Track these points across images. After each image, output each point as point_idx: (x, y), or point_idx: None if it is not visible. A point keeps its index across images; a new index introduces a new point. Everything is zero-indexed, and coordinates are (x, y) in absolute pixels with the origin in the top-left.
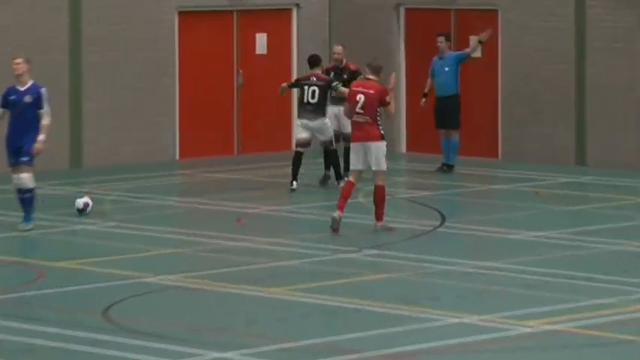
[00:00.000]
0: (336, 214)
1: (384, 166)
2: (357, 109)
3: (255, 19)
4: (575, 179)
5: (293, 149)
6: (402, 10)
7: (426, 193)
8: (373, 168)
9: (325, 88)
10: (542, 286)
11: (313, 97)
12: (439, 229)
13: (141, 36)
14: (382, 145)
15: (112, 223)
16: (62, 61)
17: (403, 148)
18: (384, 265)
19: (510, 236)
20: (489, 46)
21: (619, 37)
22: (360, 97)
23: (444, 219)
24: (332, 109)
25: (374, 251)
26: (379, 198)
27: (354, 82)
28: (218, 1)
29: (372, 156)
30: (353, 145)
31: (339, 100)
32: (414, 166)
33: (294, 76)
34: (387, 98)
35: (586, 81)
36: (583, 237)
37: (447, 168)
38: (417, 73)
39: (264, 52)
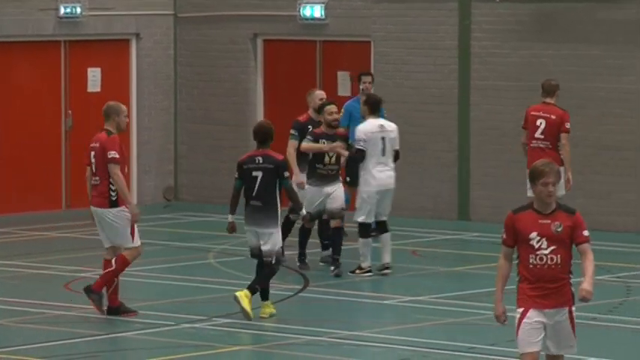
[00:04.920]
0: None
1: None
2: (537, 135)
3: (87, 51)
4: (457, 236)
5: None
6: (259, 42)
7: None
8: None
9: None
10: (420, 358)
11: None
12: (301, 294)
13: None
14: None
15: None
16: None
17: None
18: (237, 337)
19: (384, 301)
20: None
21: (508, 75)
22: (541, 122)
23: (307, 281)
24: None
25: (226, 320)
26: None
27: (533, 107)
28: (42, 29)
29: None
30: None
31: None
32: None
33: (134, 118)
34: (567, 125)
35: (469, 124)
36: (464, 302)
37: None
38: (277, 115)
39: (98, 89)
